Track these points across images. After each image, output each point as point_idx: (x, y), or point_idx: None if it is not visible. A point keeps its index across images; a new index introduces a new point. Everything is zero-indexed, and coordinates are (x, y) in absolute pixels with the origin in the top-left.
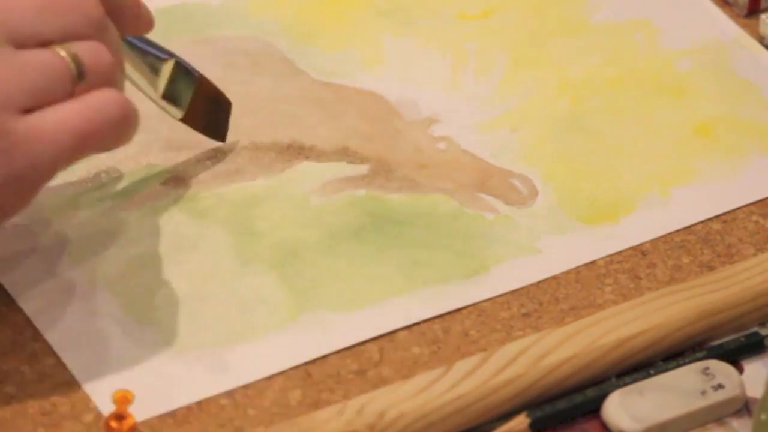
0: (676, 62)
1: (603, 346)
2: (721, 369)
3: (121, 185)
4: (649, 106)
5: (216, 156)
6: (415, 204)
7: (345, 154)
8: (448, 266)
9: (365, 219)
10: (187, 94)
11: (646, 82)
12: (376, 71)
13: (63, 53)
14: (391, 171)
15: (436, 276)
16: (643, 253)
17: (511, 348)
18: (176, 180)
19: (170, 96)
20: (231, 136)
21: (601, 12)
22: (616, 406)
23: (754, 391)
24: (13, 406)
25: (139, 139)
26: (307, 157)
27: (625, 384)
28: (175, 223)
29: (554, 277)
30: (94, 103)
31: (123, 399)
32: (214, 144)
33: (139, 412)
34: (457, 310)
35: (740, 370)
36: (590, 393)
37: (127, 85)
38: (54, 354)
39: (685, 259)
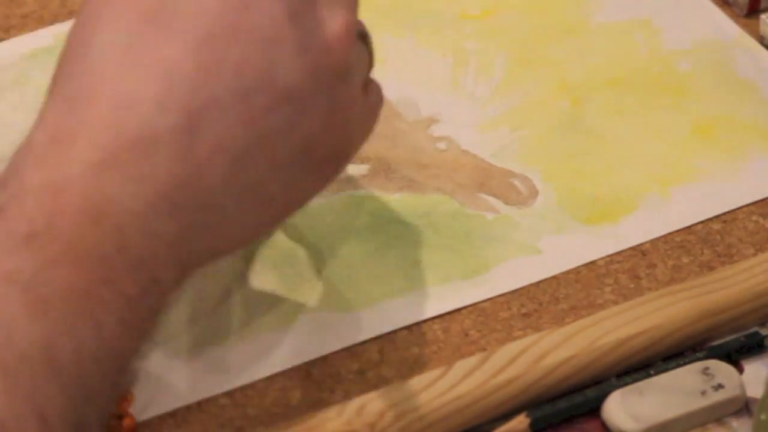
0: (676, 62)
1: (603, 346)
2: (721, 369)
3: None
4: (649, 106)
5: None
6: (415, 204)
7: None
8: (448, 266)
9: (365, 219)
10: None
11: (646, 82)
12: (376, 71)
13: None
14: (391, 171)
15: (436, 276)
16: (643, 253)
17: (511, 348)
18: None
19: None
20: None
21: (602, 12)
22: (616, 406)
23: (754, 391)
24: None
25: None
26: None
27: (625, 384)
28: None
29: (554, 277)
30: (379, 93)
31: (123, 399)
32: None
33: (138, 412)
34: (457, 310)
35: (740, 370)
36: (590, 393)
37: None
38: None
39: (685, 259)
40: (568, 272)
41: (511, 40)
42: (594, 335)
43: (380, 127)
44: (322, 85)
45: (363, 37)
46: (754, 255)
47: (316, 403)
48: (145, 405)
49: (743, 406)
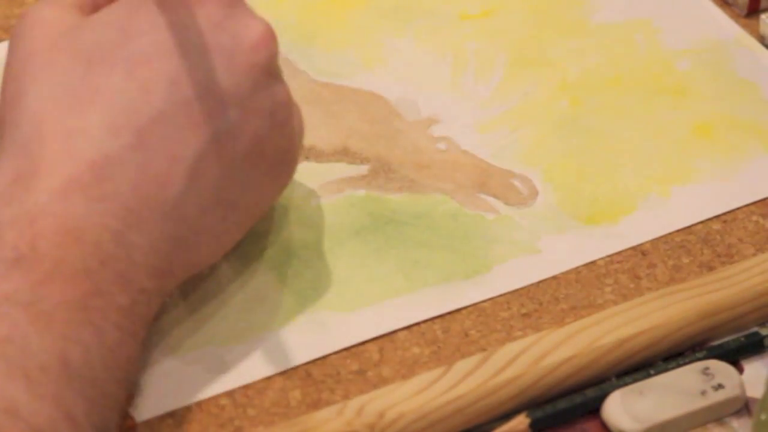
0: (676, 62)
1: (603, 346)
2: (721, 369)
3: None
4: (649, 106)
5: None
6: (415, 204)
7: (345, 154)
8: (448, 266)
9: (365, 219)
10: None
11: (646, 82)
12: (376, 71)
13: None
14: (391, 171)
15: (436, 276)
16: (643, 253)
17: (511, 348)
18: None
19: None
20: None
21: (601, 12)
22: (616, 406)
23: (754, 391)
24: None
25: None
26: (307, 158)
27: (625, 384)
28: None
29: (554, 277)
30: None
31: None
32: None
33: (138, 413)
34: (457, 310)
35: (740, 370)
36: (590, 393)
37: None
38: None
39: (685, 259)
40: (568, 272)
41: (510, 40)
42: (594, 335)
43: (380, 127)
44: (259, 84)
45: None
46: (754, 255)
47: (316, 403)
48: (145, 405)
49: (743, 406)
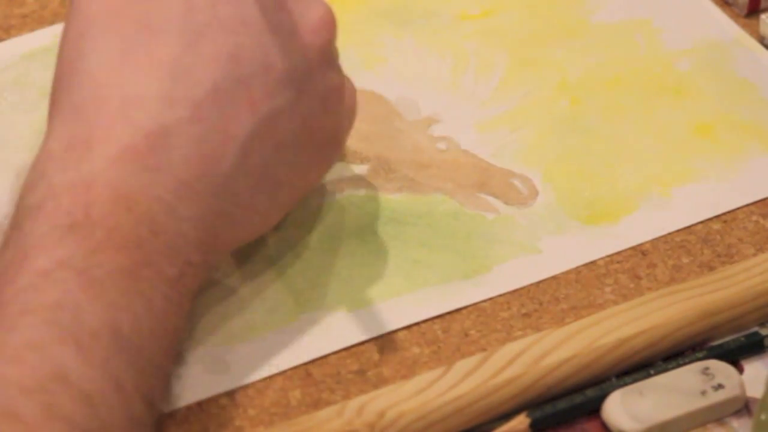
0: (676, 62)
1: (603, 346)
2: (721, 369)
3: None
4: (649, 106)
5: None
6: (415, 204)
7: (345, 153)
8: (448, 266)
9: (365, 219)
10: None
11: (646, 82)
12: (376, 71)
13: None
14: (391, 171)
15: (436, 276)
16: (643, 253)
17: (511, 348)
18: None
19: None
20: None
21: (601, 12)
22: (617, 406)
23: (754, 391)
24: None
25: None
26: None
27: (625, 384)
28: None
29: (554, 277)
30: (349, 79)
31: None
32: None
33: None
34: (457, 310)
35: (740, 370)
36: (590, 393)
37: None
38: None
39: (685, 259)
40: (568, 272)
41: (511, 40)
42: (594, 335)
43: (380, 127)
44: (315, 67)
45: None
46: (754, 255)
47: (316, 403)
48: None
49: (743, 406)
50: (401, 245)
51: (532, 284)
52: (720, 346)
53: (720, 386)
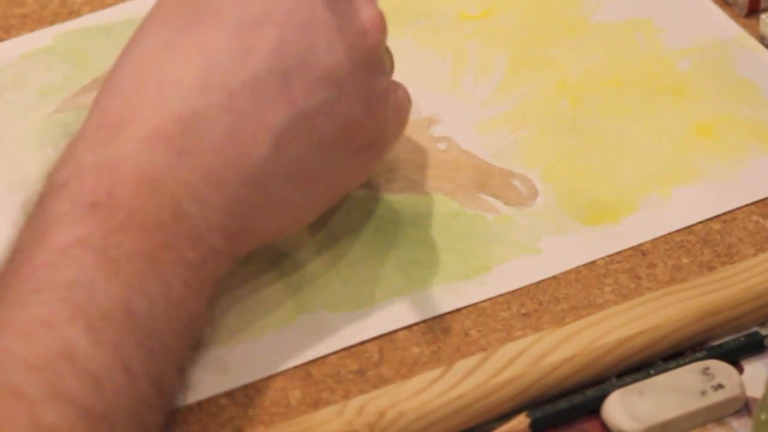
0: (676, 62)
1: (603, 346)
2: (721, 369)
3: None
4: (649, 106)
5: None
6: (415, 204)
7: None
8: (448, 266)
9: (365, 219)
10: None
11: (646, 81)
12: None
13: None
14: (391, 171)
15: (436, 276)
16: (643, 253)
17: (511, 348)
18: None
19: None
20: None
21: (601, 12)
22: (616, 406)
23: (754, 391)
24: None
25: None
26: None
27: (625, 384)
28: None
29: (554, 277)
30: (406, 91)
31: None
32: None
33: None
34: (457, 310)
35: (740, 370)
36: (590, 393)
37: None
38: None
39: (685, 259)
40: (568, 272)
41: (510, 40)
42: (594, 335)
43: None
44: (359, 69)
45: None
46: (754, 255)
47: (316, 403)
48: None
49: (743, 406)
50: (401, 245)
51: (532, 284)
52: (720, 346)
53: (720, 386)
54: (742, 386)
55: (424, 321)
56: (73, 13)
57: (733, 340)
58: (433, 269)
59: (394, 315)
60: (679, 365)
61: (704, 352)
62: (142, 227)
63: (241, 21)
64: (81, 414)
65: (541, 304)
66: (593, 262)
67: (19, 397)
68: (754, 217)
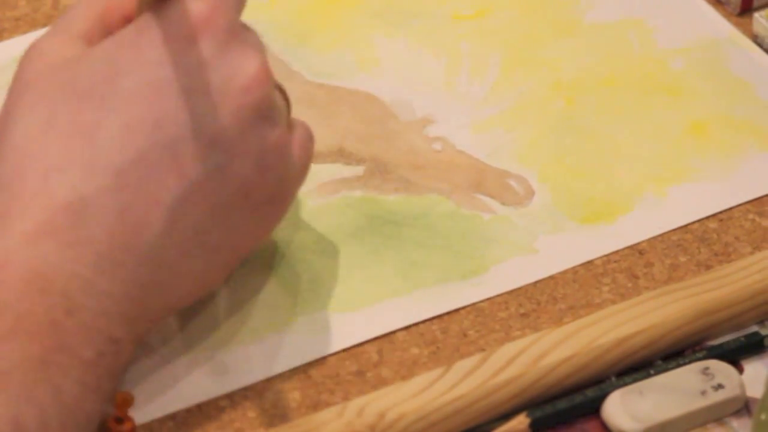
0: (669, 61)
1: (602, 346)
2: (721, 369)
3: None
4: (643, 106)
5: None
6: (411, 205)
7: (340, 155)
8: (445, 267)
9: (362, 220)
10: None
11: (640, 81)
12: (370, 72)
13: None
14: (386, 172)
15: (433, 276)
16: (640, 253)
17: (510, 348)
18: None
19: None
20: None
21: (595, 11)
22: (616, 406)
23: (754, 391)
24: None
25: None
26: None
27: (625, 384)
28: None
29: (552, 277)
30: (307, 128)
31: (123, 402)
32: None
33: (138, 415)
34: (455, 311)
35: (740, 370)
36: (590, 393)
37: None
38: None
39: (682, 258)
40: (565, 272)
41: (504, 40)
42: (593, 335)
43: (375, 129)
44: (247, 127)
45: (277, 84)
46: (751, 253)
47: (316, 405)
48: (144, 408)
49: (743, 406)
50: (398, 246)
51: (529, 284)
52: (720, 346)
53: (720, 386)
54: (742, 386)
55: (422, 321)
56: None
57: (733, 340)
58: (431, 270)
59: (393, 316)
60: (679, 365)
61: (704, 352)
62: (31, 331)
63: (119, 95)
64: None
65: (539, 304)
66: (590, 262)
67: None
68: (751, 216)
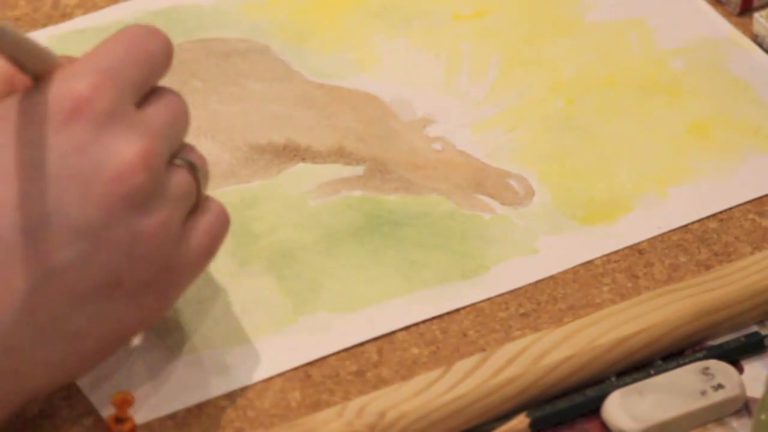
0: (669, 61)
1: (602, 346)
2: (721, 369)
3: None
4: (643, 105)
5: (211, 158)
6: (411, 205)
7: (340, 155)
8: (445, 267)
9: (362, 220)
10: None
11: (640, 81)
12: (370, 72)
13: (180, 162)
14: (386, 172)
15: (433, 276)
16: (641, 252)
17: (510, 348)
18: None
19: None
20: (227, 138)
21: (595, 11)
22: (616, 406)
23: (754, 391)
24: None
25: None
26: (303, 159)
27: (625, 384)
28: None
29: (552, 277)
30: (219, 213)
31: (123, 402)
32: (209, 146)
33: (139, 415)
34: (456, 311)
35: (740, 370)
36: (590, 393)
37: None
38: None
39: (682, 258)
40: (565, 272)
41: (504, 40)
42: (593, 334)
43: (375, 129)
44: (116, 217)
45: (190, 164)
46: (751, 253)
47: (316, 405)
48: (145, 407)
49: (743, 406)
50: (398, 246)
51: (529, 284)
52: (720, 345)
53: (720, 386)
54: (742, 386)
55: (422, 321)
56: (65, 16)
57: (733, 339)
58: (431, 270)
59: (393, 316)
60: (679, 365)
61: (704, 352)
62: None
63: None
64: None
65: (539, 304)
66: (590, 262)
67: None
68: (751, 216)
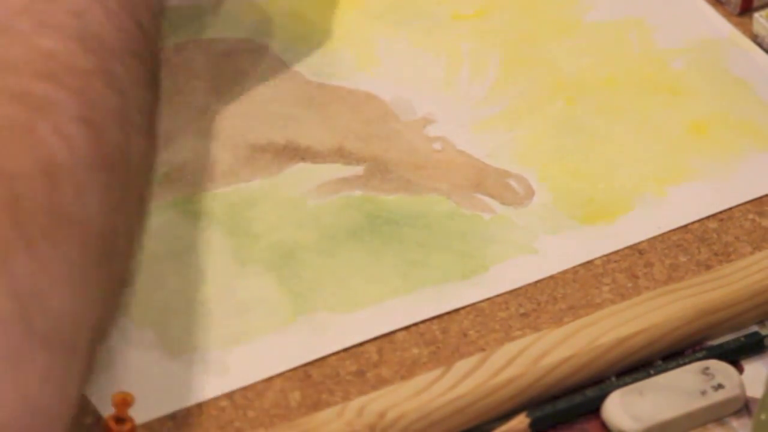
0: (669, 61)
1: (602, 346)
2: (721, 369)
3: None
4: (643, 105)
5: (211, 158)
6: (411, 204)
7: (340, 155)
8: (445, 267)
9: (362, 220)
10: None
11: (640, 81)
12: (370, 72)
13: None
14: (386, 172)
15: (433, 276)
16: (640, 252)
17: (510, 348)
18: (172, 182)
19: None
20: (227, 137)
21: (595, 11)
22: (616, 406)
23: (754, 391)
24: None
25: None
26: (303, 159)
27: (625, 384)
28: (171, 225)
29: (552, 277)
30: None
31: (123, 402)
32: (210, 145)
33: (138, 415)
34: (456, 311)
35: (740, 370)
36: (590, 393)
37: None
38: None
39: (682, 258)
40: (565, 272)
41: (504, 39)
42: (593, 334)
43: (376, 128)
44: None
45: None
46: (751, 253)
47: (316, 405)
48: (145, 407)
49: (743, 406)
50: (398, 246)
51: (529, 284)
52: (720, 345)
53: (720, 386)
54: (742, 386)
55: (422, 321)
56: None
57: (733, 339)
58: (431, 269)
59: (393, 316)
60: (679, 365)
61: (704, 352)
62: None
63: None
64: (74, 38)
65: (539, 304)
66: (590, 262)
67: (12, 32)
68: (751, 216)
